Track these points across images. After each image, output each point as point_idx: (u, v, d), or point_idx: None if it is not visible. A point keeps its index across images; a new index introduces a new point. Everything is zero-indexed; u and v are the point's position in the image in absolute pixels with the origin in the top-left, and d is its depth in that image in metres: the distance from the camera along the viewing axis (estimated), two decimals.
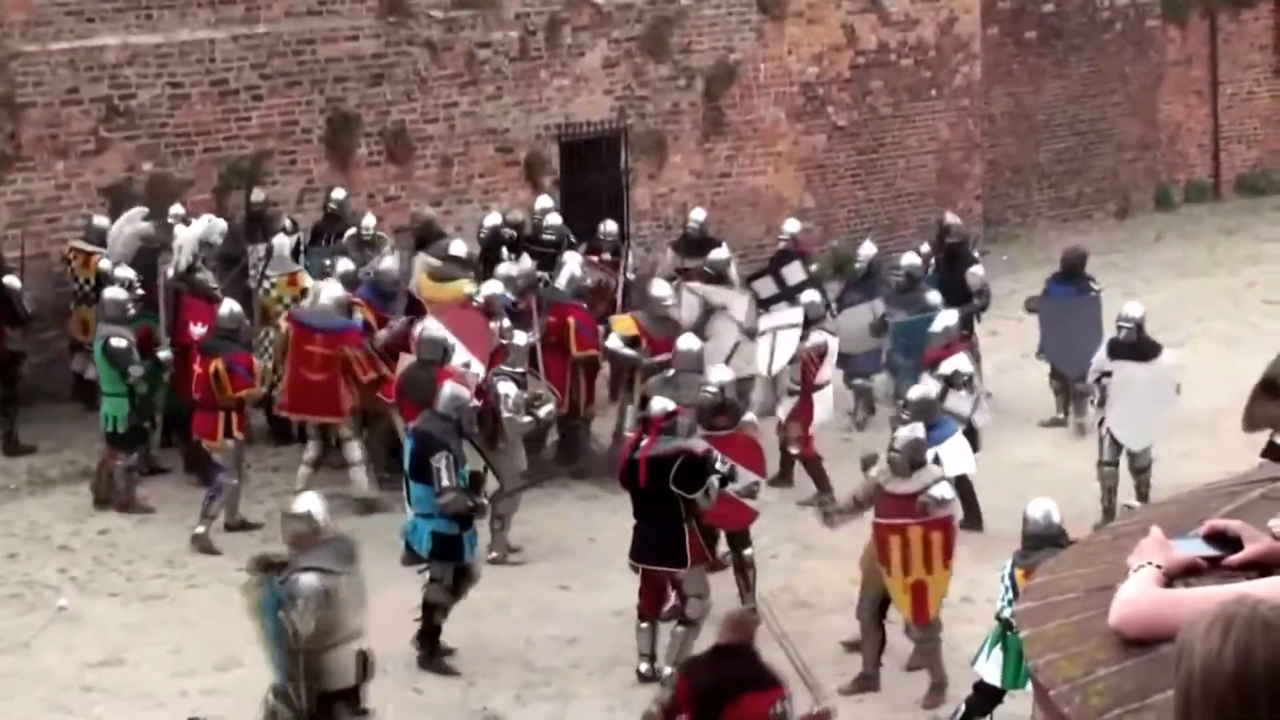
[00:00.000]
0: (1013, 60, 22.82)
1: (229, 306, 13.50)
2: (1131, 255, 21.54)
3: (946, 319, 14.12)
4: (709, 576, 11.32)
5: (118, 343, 13.35)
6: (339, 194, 16.69)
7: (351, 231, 15.99)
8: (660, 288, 14.76)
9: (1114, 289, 18.03)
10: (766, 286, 15.85)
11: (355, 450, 13.67)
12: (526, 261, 15.07)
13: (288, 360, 13.71)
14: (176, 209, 15.62)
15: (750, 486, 11.87)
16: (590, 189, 18.79)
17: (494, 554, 12.59)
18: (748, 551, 12.05)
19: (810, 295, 14.96)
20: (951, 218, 17.43)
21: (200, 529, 13.01)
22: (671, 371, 13.06)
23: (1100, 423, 13.77)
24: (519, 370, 13.36)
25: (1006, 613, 9.56)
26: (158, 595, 12.40)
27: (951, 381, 13.31)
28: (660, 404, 11.44)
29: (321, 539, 9.32)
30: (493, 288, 14.13)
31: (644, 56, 19.32)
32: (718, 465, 11.18)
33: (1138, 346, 13.67)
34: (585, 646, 11.65)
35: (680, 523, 10.91)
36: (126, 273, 14.16)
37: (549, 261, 15.47)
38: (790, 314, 14.81)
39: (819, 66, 20.64)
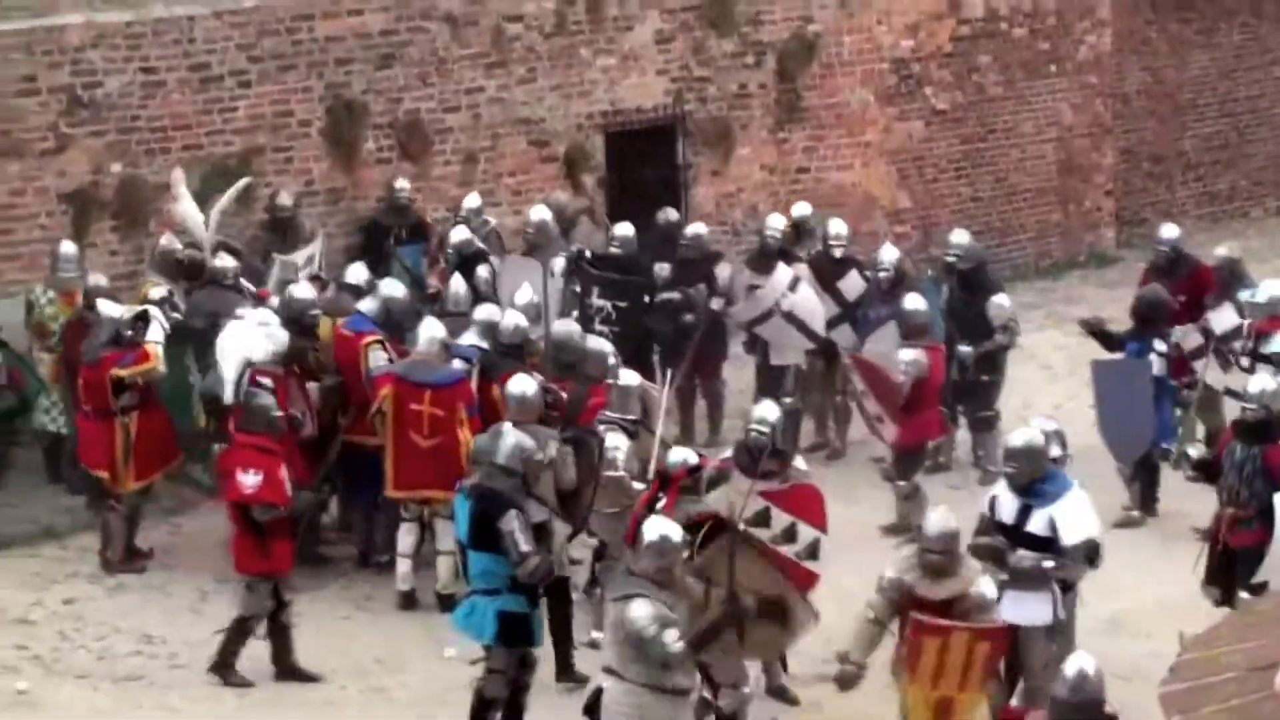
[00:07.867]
0: (1150, 27, 22.83)
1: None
2: None
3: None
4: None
5: None
6: (402, 183, 17.32)
7: None
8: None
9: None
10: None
11: (448, 534, 12.83)
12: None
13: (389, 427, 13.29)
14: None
15: (811, 545, 11.97)
16: (641, 188, 18.90)
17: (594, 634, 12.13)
18: None
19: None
20: (959, 236, 16.58)
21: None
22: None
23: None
24: (630, 418, 12.79)
25: None
26: (134, 676, 12.47)
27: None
28: (681, 455, 11.40)
29: None
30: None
31: (705, 29, 19.44)
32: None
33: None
34: None
35: None
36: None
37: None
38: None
39: (914, 39, 20.71)
